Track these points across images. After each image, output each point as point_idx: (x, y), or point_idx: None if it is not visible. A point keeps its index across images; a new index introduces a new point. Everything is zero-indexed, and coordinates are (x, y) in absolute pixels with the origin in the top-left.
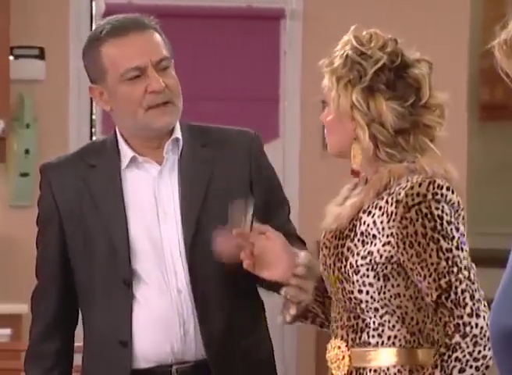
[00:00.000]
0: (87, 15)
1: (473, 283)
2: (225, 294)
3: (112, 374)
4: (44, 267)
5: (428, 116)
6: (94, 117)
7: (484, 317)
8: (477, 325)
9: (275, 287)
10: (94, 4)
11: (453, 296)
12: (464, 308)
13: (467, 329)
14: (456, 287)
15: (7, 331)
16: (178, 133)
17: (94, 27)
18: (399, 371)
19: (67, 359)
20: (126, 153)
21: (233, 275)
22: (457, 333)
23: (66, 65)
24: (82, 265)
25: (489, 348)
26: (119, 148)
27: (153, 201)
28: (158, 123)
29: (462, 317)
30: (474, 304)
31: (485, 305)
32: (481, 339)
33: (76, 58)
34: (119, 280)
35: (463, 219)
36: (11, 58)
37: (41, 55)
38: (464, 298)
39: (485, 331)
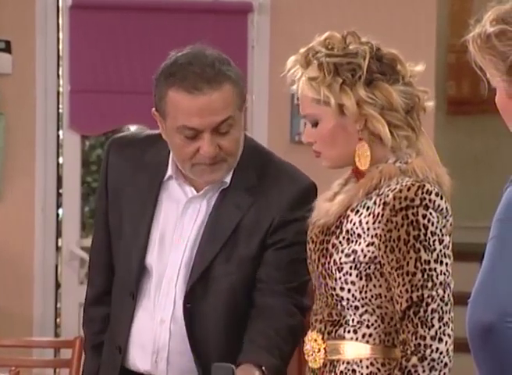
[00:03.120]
0: (53, 8)
1: (445, 304)
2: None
3: (106, 371)
4: (97, 236)
5: (416, 87)
6: (60, 111)
7: (446, 342)
8: (437, 349)
9: None
10: None
11: (421, 313)
12: (430, 329)
13: (427, 352)
14: (427, 304)
15: None
16: (227, 178)
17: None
18: (371, 364)
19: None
20: (169, 168)
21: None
22: (416, 355)
23: (33, 58)
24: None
25: (444, 374)
26: (169, 158)
27: (173, 224)
28: (204, 179)
29: (425, 338)
30: (440, 327)
31: (452, 329)
32: (438, 364)
33: (43, 52)
34: (127, 290)
35: (450, 225)
36: None
37: (8, 49)
38: (432, 319)
39: (444, 356)
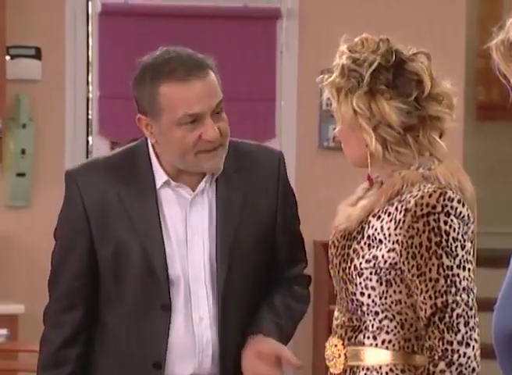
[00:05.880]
0: (83, 15)
1: (470, 309)
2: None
3: None
4: (69, 277)
5: (434, 107)
6: (90, 117)
7: (473, 347)
8: (465, 354)
9: None
10: (90, 4)
11: (447, 318)
12: (456, 334)
13: (455, 357)
14: (452, 310)
15: (3, 332)
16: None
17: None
18: (391, 370)
19: (84, 364)
20: (160, 174)
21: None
22: (443, 361)
23: (62, 65)
24: (111, 280)
25: None
26: (152, 166)
27: (183, 226)
28: (207, 166)
29: (452, 343)
30: (466, 332)
31: (478, 334)
32: (466, 369)
33: (72, 59)
34: (157, 304)
35: (472, 232)
36: (7, 57)
37: (38, 55)
38: (458, 324)
39: (471, 361)
